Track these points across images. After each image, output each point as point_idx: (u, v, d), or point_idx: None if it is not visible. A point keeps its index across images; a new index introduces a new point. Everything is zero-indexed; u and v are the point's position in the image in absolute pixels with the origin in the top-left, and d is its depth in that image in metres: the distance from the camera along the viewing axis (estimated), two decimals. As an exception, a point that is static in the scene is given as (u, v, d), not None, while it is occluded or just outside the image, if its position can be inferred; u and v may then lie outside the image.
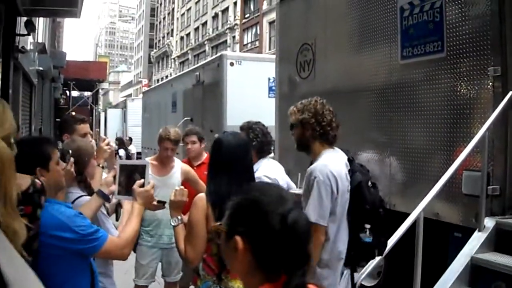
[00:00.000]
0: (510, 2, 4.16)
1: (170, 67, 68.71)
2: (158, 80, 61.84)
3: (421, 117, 4.91)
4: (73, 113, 17.91)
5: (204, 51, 54.66)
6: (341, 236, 3.20)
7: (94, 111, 38.22)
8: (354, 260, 3.23)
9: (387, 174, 5.33)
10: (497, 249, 3.93)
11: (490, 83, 4.20)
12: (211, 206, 2.64)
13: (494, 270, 3.69)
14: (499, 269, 3.65)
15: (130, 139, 21.15)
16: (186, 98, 13.38)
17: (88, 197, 3.09)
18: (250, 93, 10.32)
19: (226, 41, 49.74)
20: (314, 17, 7.06)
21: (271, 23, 37.11)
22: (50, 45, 21.27)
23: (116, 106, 45.44)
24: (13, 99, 10.11)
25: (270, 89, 10.39)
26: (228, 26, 49.09)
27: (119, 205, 3.53)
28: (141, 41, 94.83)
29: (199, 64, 15.46)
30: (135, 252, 4.66)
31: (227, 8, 50.59)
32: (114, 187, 2.97)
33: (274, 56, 8.95)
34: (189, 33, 62.88)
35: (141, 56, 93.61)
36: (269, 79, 10.33)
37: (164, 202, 2.97)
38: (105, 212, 3.19)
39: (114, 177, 2.99)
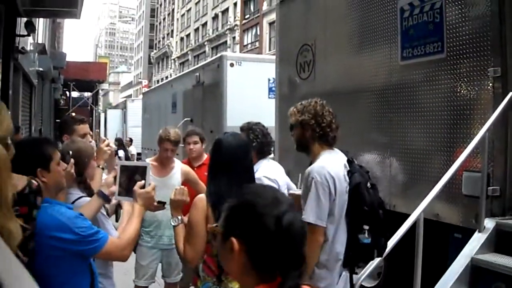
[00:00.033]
0: (510, 2, 4.16)
1: (170, 68, 68.73)
2: (158, 81, 61.88)
3: (421, 118, 4.91)
4: (73, 114, 17.91)
5: (204, 52, 54.69)
6: (339, 237, 3.20)
7: (94, 111, 38.25)
8: (352, 261, 3.23)
9: (387, 175, 5.33)
10: (497, 250, 3.93)
11: (490, 84, 4.20)
12: (211, 207, 2.64)
13: (494, 271, 3.68)
14: (499, 270, 3.64)
15: (131, 140, 21.12)
16: (186, 99, 13.38)
17: (87, 198, 3.09)
18: (250, 94, 10.32)
19: (226, 42, 49.76)
20: (314, 18, 7.06)
21: (271, 24, 37.14)
22: (50, 46, 21.28)
23: (116, 107, 45.45)
24: (13, 99, 10.12)
25: (270, 90, 10.40)
26: (228, 27, 49.10)
27: (119, 206, 3.53)
28: (141, 42, 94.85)
29: (199, 65, 15.47)
30: (135, 252, 4.65)
31: (227, 9, 50.61)
32: (115, 188, 2.97)
33: (274, 57, 8.94)
34: (189, 34, 62.90)
35: (141, 57, 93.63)
36: (269, 80, 10.33)
37: (164, 203, 2.97)
38: (104, 213, 3.19)
39: (115, 178, 2.99)
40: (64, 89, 31.95)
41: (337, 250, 3.19)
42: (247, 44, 45.44)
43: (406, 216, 3.81)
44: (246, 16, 46.13)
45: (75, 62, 33.34)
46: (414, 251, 3.62)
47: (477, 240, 3.95)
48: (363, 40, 5.89)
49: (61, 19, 24.98)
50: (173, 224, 2.83)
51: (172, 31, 72.03)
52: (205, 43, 54.95)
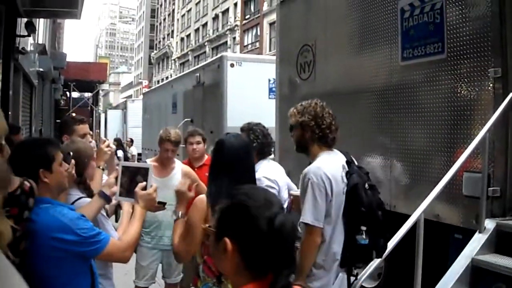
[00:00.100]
0: (510, 3, 4.15)
1: (171, 68, 68.74)
2: (158, 81, 61.89)
3: (422, 118, 4.91)
4: (73, 114, 17.90)
5: (205, 52, 54.68)
6: (336, 237, 3.20)
7: (94, 112, 38.25)
8: (349, 262, 3.23)
9: (387, 176, 5.33)
10: (498, 250, 3.92)
11: (491, 85, 4.19)
12: (212, 207, 2.63)
13: (495, 272, 3.68)
14: (500, 271, 3.64)
15: (132, 141, 21.08)
16: (186, 99, 13.38)
17: (87, 199, 3.09)
18: (251, 94, 10.32)
19: (226, 42, 49.75)
20: (314, 18, 7.06)
21: (271, 24, 37.13)
22: (51, 46, 21.29)
23: (116, 107, 45.42)
24: (14, 100, 10.11)
25: (270, 90, 10.40)
26: (229, 27, 49.09)
27: (118, 207, 3.53)
28: (142, 42, 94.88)
29: (200, 65, 15.47)
30: (135, 253, 4.65)
31: (227, 9, 50.60)
32: (116, 188, 2.96)
33: (274, 57, 8.95)
34: (189, 34, 62.90)
35: (141, 57, 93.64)
36: (269, 80, 10.33)
37: (164, 203, 2.97)
38: (104, 214, 3.19)
39: (116, 178, 2.99)
40: (65, 89, 31.95)
41: (334, 250, 3.19)
42: (248, 45, 45.43)
43: (407, 216, 3.81)
44: (247, 17, 46.12)
45: (76, 63, 33.34)
46: (414, 252, 3.62)
47: (477, 240, 3.95)
48: (364, 40, 5.89)
49: (62, 19, 25.00)
50: (173, 217, 2.86)
51: (173, 31, 72.03)
52: (206, 43, 54.95)
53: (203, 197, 2.74)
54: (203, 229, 2.44)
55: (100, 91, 48.18)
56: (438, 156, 4.68)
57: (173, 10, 72.27)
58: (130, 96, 70.91)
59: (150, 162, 4.76)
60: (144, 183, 2.82)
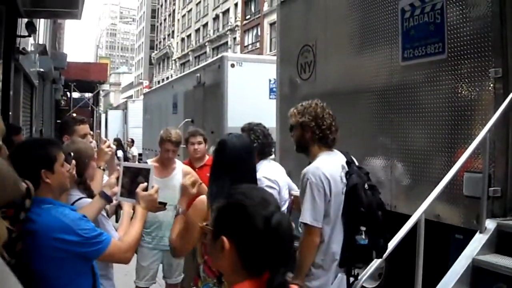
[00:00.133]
0: (511, 3, 4.15)
1: (171, 69, 68.75)
2: (159, 82, 61.89)
3: (422, 118, 4.91)
4: (74, 114, 17.90)
5: (205, 52, 54.68)
6: (335, 237, 3.21)
7: (95, 112, 38.26)
8: (349, 262, 3.23)
9: (388, 176, 5.33)
10: (498, 250, 3.92)
11: (491, 85, 4.19)
12: (212, 207, 2.63)
13: (496, 272, 3.68)
14: (501, 271, 3.64)
15: (132, 141, 21.05)
16: (187, 100, 13.38)
17: (88, 199, 3.09)
18: (251, 95, 10.32)
19: (227, 42, 49.75)
20: (314, 18, 7.06)
21: (272, 24, 37.13)
22: (51, 47, 21.28)
23: (117, 108, 45.37)
24: (14, 100, 10.11)
25: (271, 90, 10.39)
26: (229, 27, 49.09)
27: (119, 207, 3.53)
28: (142, 43, 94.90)
29: (200, 65, 15.47)
30: (136, 253, 4.65)
31: (227, 10, 50.61)
32: (117, 189, 2.96)
33: (275, 58, 8.95)
34: (190, 34, 62.91)
35: (142, 58, 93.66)
36: (270, 80, 10.33)
37: (165, 204, 2.97)
38: (104, 214, 3.19)
39: (117, 178, 2.99)
40: (65, 89, 31.93)
41: (333, 250, 3.20)
42: (248, 45, 45.43)
43: (407, 217, 3.81)
44: (247, 17, 46.12)
45: (76, 63, 33.34)
46: (415, 252, 3.62)
47: (478, 241, 3.94)
48: (364, 40, 5.89)
49: (62, 19, 24.98)
50: (174, 212, 2.88)
51: (173, 31, 72.05)
52: (206, 43, 54.95)
53: (203, 197, 2.74)
54: (200, 228, 2.46)
55: (101, 92, 48.23)
56: (439, 156, 4.68)
57: (174, 11, 72.29)
58: (131, 97, 70.83)
59: (150, 162, 4.77)
60: (145, 183, 2.82)
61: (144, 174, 2.88)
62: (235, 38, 48.16)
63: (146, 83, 72.17)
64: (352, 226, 3.15)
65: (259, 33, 42.78)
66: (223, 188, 2.61)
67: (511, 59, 4.12)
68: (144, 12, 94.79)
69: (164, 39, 79.31)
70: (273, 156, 5.08)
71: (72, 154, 2.87)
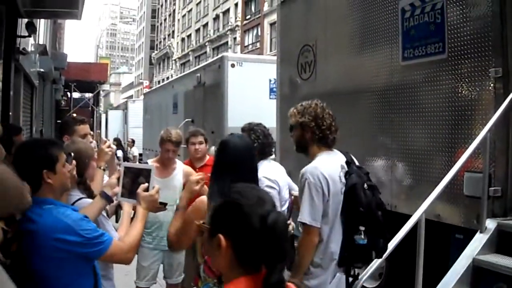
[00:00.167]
0: (511, 3, 4.15)
1: (171, 69, 68.75)
2: (159, 82, 61.88)
3: (422, 118, 4.91)
4: (74, 115, 17.88)
5: (205, 52, 54.68)
6: (334, 237, 3.21)
7: (95, 112, 38.23)
8: (348, 261, 3.23)
9: (388, 176, 5.33)
10: (499, 250, 3.92)
11: (492, 84, 4.19)
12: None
13: (496, 272, 3.68)
14: (501, 271, 3.64)
15: (133, 141, 20.99)
16: (187, 100, 13.39)
17: (88, 199, 3.09)
18: (251, 95, 10.33)
19: (227, 42, 49.74)
20: (315, 18, 7.06)
21: (272, 24, 37.13)
22: (51, 47, 21.26)
23: (117, 108, 45.34)
24: (14, 100, 10.11)
25: (271, 90, 10.40)
26: (229, 27, 49.08)
27: (119, 207, 3.53)
28: (142, 43, 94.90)
29: (200, 65, 15.48)
30: (136, 254, 4.65)
31: (228, 10, 50.60)
32: (118, 189, 2.96)
33: (275, 58, 8.96)
34: (190, 34, 62.90)
35: (142, 58, 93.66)
36: (270, 80, 10.34)
37: (165, 204, 2.97)
38: (105, 214, 3.19)
39: (118, 179, 2.98)
40: (65, 90, 31.89)
41: (332, 250, 3.21)
42: (248, 45, 45.42)
43: (408, 217, 3.81)
44: (247, 17, 46.11)
45: (76, 63, 33.29)
46: (415, 251, 3.62)
47: (478, 240, 3.94)
48: (364, 40, 5.89)
49: (62, 20, 24.96)
50: (174, 208, 2.94)
51: (173, 31, 72.04)
52: (206, 43, 54.94)
53: (204, 198, 2.74)
54: (197, 226, 2.48)
55: (101, 92, 48.19)
56: (439, 156, 4.67)
57: (174, 11, 72.29)
58: (131, 97, 70.87)
59: (151, 162, 4.77)
60: (146, 184, 2.82)
61: (145, 174, 2.88)
62: (235, 38, 48.15)
63: (146, 83, 72.17)
64: (351, 226, 3.15)
65: (259, 33, 42.77)
66: (224, 188, 2.62)
67: (511, 59, 4.12)
68: (144, 12, 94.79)
69: (164, 39, 79.31)
70: (273, 156, 5.08)
71: (72, 154, 2.87)
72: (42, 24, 15.48)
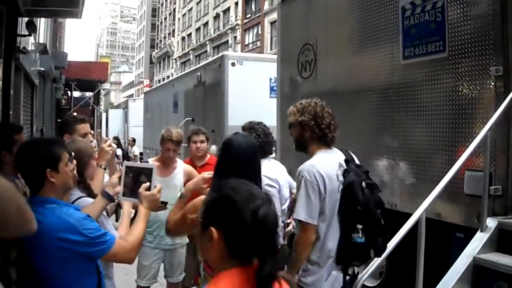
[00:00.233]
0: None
1: (172, 68, 68.76)
2: (159, 81, 61.86)
3: (423, 117, 4.91)
4: (75, 114, 17.85)
5: (206, 51, 54.69)
6: (331, 234, 3.22)
7: (95, 111, 38.21)
8: (345, 259, 3.23)
9: (389, 175, 5.32)
10: (499, 249, 3.92)
11: (492, 83, 4.19)
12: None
13: (496, 271, 3.67)
14: (501, 270, 3.63)
15: (134, 140, 20.95)
16: (187, 99, 13.39)
17: (87, 198, 3.09)
18: (252, 93, 10.33)
19: (227, 41, 49.74)
20: (315, 17, 7.06)
21: (272, 23, 37.13)
22: (52, 46, 21.26)
23: (117, 107, 45.38)
24: (15, 99, 10.10)
25: (271, 89, 10.40)
26: (230, 26, 49.08)
27: (119, 206, 3.53)
28: (143, 42, 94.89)
29: (201, 64, 15.48)
30: (137, 252, 4.65)
31: (228, 9, 50.60)
32: (119, 188, 2.96)
33: (275, 56, 8.95)
34: (190, 33, 62.90)
35: (142, 57, 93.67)
36: (270, 79, 10.34)
37: (166, 203, 2.97)
38: (105, 213, 3.19)
39: (119, 178, 2.98)
40: (66, 89, 31.87)
41: (329, 247, 3.21)
42: (249, 44, 45.43)
43: (408, 215, 3.81)
44: (248, 16, 46.11)
45: (77, 62, 33.28)
46: (416, 250, 3.62)
47: (479, 239, 3.94)
48: (365, 39, 5.88)
49: (63, 18, 24.92)
50: (178, 195, 3.00)
51: (174, 30, 72.04)
52: (207, 42, 54.94)
53: (203, 197, 2.75)
54: (190, 220, 2.52)
55: (101, 91, 48.15)
56: (440, 154, 4.67)
57: (174, 9, 72.28)
58: (131, 96, 70.84)
59: (151, 161, 4.77)
60: (148, 183, 2.82)
61: (146, 173, 2.88)
62: (235, 37, 48.14)
63: (146, 82, 72.20)
64: (349, 224, 3.16)
65: (259, 32, 42.78)
66: None
67: (512, 58, 4.12)
68: (144, 11, 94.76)
69: (164, 38, 79.30)
70: (274, 155, 5.08)
71: (72, 153, 2.88)
72: (42, 23, 15.48)
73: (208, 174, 2.99)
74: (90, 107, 37.66)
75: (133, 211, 3.00)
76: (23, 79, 11.95)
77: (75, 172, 2.73)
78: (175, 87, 14.99)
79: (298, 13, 7.64)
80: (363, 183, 3.19)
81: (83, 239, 2.34)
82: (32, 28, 10.17)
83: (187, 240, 4.87)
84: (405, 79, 5.17)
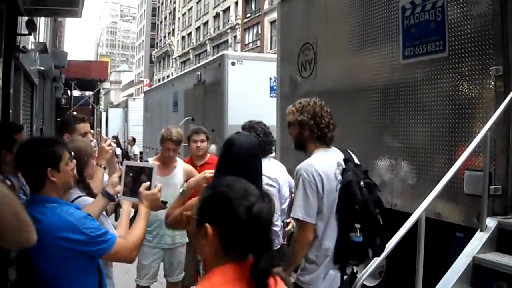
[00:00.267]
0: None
1: (172, 67, 68.75)
2: (159, 80, 61.82)
3: (423, 116, 4.91)
4: (74, 113, 17.83)
5: (206, 50, 54.67)
6: (329, 233, 3.22)
7: (95, 110, 38.23)
8: (343, 258, 3.23)
9: (388, 174, 5.32)
10: (499, 249, 3.92)
11: (492, 83, 4.19)
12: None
13: (496, 270, 3.68)
14: (501, 269, 3.63)
15: (134, 140, 20.92)
16: (187, 98, 13.39)
17: (87, 197, 3.08)
18: (252, 93, 10.33)
19: (227, 40, 49.73)
20: (315, 16, 7.06)
21: (272, 22, 37.13)
22: (52, 45, 21.25)
23: (117, 106, 45.33)
24: (14, 99, 10.09)
25: (271, 88, 10.40)
26: (230, 25, 49.08)
27: (118, 205, 3.53)
28: (143, 41, 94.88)
29: (201, 63, 15.48)
30: (136, 252, 4.65)
31: (228, 8, 50.59)
32: (120, 188, 2.96)
33: (275, 56, 8.95)
34: (190, 32, 62.88)
35: (142, 56, 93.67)
36: (270, 78, 10.34)
37: (166, 202, 2.97)
38: (104, 213, 3.19)
39: (120, 177, 2.98)
40: (66, 88, 31.85)
41: (326, 246, 3.21)
42: (249, 43, 45.43)
43: (408, 215, 3.81)
44: (247, 15, 46.11)
45: (77, 61, 33.28)
46: (416, 250, 3.62)
47: (479, 239, 3.94)
48: (365, 38, 5.88)
49: (62, 18, 24.91)
50: (180, 191, 3.06)
51: (174, 30, 72.02)
52: (207, 42, 54.93)
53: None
54: (185, 216, 2.54)
55: (101, 90, 48.17)
56: (440, 154, 4.67)
57: (174, 9, 72.26)
58: (131, 95, 70.79)
59: (151, 161, 4.77)
60: (148, 183, 2.82)
61: (147, 172, 2.88)
62: (235, 36, 48.14)
63: (146, 81, 72.23)
64: (346, 223, 3.16)
65: (259, 31, 42.78)
66: None
67: (512, 57, 4.12)
68: (144, 10, 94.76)
69: (164, 37, 79.29)
70: (273, 154, 5.08)
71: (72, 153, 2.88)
72: (42, 22, 15.47)
73: (210, 172, 2.99)
74: (90, 106, 37.67)
75: (133, 210, 3.00)
76: (23, 78, 11.95)
77: (75, 171, 2.74)
78: (175, 86, 14.99)
79: (298, 12, 7.64)
80: (361, 182, 3.19)
81: (84, 238, 2.34)
82: (32, 27, 10.16)
83: (187, 240, 4.87)
84: (405, 79, 5.17)
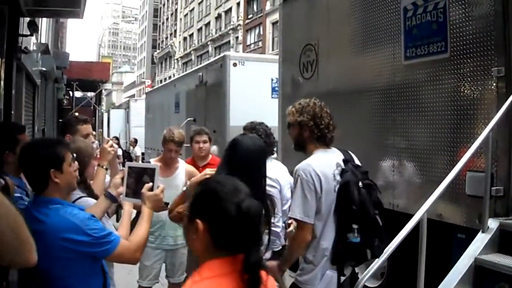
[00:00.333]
0: (514, 2, 4.15)
1: (173, 68, 68.81)
2: (161, 81, 61.93)
3: (425, 117, 4.90)
4: (76, 114, 17.83)
5: (207, 51, 54.73)
6: (327, 234, 3.21)
7: (97, 111, 38.27)
8: (341, 259, 3.23)
9: (390, 175, 5.32)
10: (501, 250, 3.92)
11: (494, 84, 4.18)
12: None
13: (498, 271, 3.67)
14: (503, 270, 3.63)
15: (135, 141, 20.91)
16: (189, 99, 13.39)
17: (88, 198, 3.09)
18: (253, 94, 10.33)
19: (229, 41, 49.77)
20: (317, 17, 7.06)
21: (274, 23, 37.17)
22: (53, 46, 21.27)
23: (119, 107, 45.38)
24: (16, 99, 10.09)
25: (273, 89, 10.39)
26: (231, 26, 49.11)
27: (119, 207, 3.52)
28: (144, 42, 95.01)
29: (202, 64, 15.48)
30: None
31: (230, 9, 50.63)
32: (122, 189, 2.96)
33: (277, 57, 8.95)
34: (192, 33, 62.95)
35: (144, 57, 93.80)
36: (272, 79, 10.34)
37: (168, 203, 2.97)
38: (105, 214, 3.19)
39: (122, 179, 2.98)
40: (67, 89, 31.88)
41: (323, 246, 3.21)
42: (250, 44, 45.45)
43: (410, 216, 3.80)
44: (249, 16, 46.14)
45: (78, 62, 33.28)
46: (417, 251, 3.61)
47: (480, 240, 3.94)
48: (366, 39, 5.88)
49: (64, 19, 24.93)
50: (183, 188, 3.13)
51: (175, 31, 72.09)
52: (208, 43, 54.98)
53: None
54: (178, 213, 2.57)
55: (103, 91, 48.24)
56: (441, 155, 4.67)
57: (176, 10, 72.34)
58: (133, 96, 70.84)
59: (153, 162, 4.77)
60: (151, 183, 2.82)
61: (149, 173, 2.87)
62: (237, 37, 48.17)
63: (148, 82, 72.35)
64: (344, 224, 3.16)
65: (261, 32, 42.80)
66: None
67: (514, 58, 4.12)
68: (146, 11, 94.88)
69: (166, 38, 79.37)
70: (275, 155, 5.08)
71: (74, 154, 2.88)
72: (44, 23, 15.49)
73: (211, 171, 2.99)
74: (92, 107, 37.70)
75: (134, 211, 3.00)
76: (24, 79, 11.96)
77: (77, 172, 2.74)
78: (177, 87, 14.99)
79: (300, 13, 7.64)
80: (360, 183, 3.19)
81: (88, 239, 2.34)
82: (33, 28, 10.18)
83: (189, 240, 4.86)
84: (406, 80, 5.17)
